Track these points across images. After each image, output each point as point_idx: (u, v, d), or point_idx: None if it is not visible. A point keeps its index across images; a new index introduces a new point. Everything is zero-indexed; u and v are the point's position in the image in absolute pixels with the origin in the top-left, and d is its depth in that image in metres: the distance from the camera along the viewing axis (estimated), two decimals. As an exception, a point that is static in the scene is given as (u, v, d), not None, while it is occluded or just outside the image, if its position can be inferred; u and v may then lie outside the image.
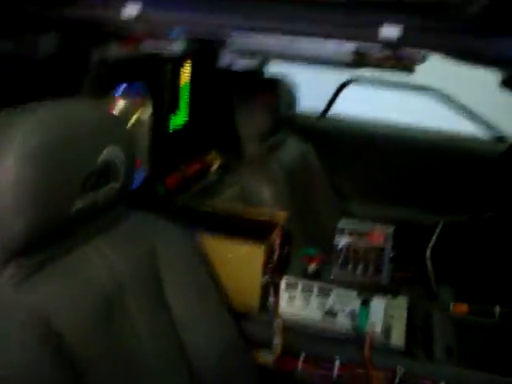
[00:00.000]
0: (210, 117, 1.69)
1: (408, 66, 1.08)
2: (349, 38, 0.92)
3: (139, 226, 0.96)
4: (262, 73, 1.91)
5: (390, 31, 0.83)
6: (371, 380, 1.15)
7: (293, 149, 1.80)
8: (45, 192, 0.71)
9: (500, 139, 2.07)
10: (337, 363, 1.17)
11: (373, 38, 0.84)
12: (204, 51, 1.30)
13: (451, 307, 1.55)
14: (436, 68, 1.16)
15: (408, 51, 0.97)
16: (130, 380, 0.82)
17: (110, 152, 0.82)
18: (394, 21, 0.84)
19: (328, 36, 0.91)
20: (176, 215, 1.22)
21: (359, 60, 1.01)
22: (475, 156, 1.97)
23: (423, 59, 1.02)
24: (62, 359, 0.70)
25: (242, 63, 1.51)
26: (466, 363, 1.26)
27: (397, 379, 1.13)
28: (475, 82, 1.74)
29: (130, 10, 0.91)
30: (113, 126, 0.86)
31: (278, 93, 1.74)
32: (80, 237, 0.83)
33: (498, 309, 1.50)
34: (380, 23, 0.84)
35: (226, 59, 1.35)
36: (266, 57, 1.56)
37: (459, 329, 1.45)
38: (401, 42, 0.84)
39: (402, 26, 0.83)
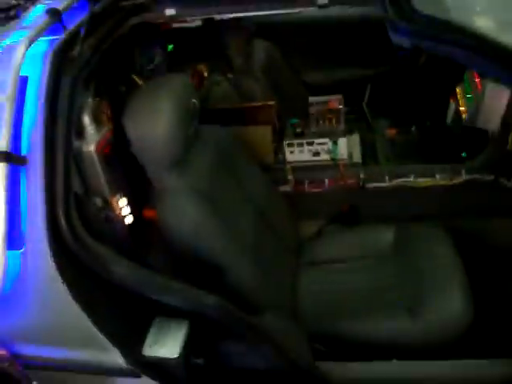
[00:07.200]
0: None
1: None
2: None
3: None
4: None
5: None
6: (347, 185, 2.02)
7: (262, 50, 2.46)
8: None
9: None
10: (326, 181, 2.03)
11: None
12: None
13: (386, 132, 2.43)
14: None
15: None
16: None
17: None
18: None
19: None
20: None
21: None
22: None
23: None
24: None
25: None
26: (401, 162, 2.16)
27: (361, 181, 2.00)
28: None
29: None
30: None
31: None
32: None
33: (413, 128, 2.40)
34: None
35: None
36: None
37: (393, 144, 2.33)
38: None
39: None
